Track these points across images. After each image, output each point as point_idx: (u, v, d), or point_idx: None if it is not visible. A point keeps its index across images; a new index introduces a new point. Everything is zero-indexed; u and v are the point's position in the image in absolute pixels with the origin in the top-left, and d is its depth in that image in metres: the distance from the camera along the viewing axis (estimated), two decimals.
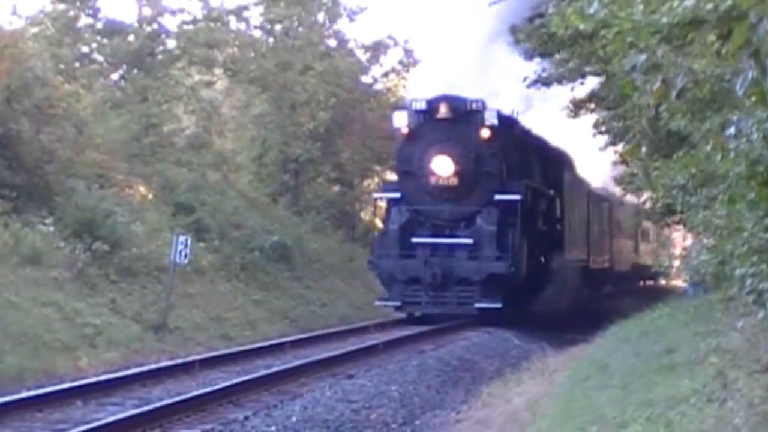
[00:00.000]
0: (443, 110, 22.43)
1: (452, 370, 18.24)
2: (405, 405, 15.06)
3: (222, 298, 25.67)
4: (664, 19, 6.38)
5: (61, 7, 28.47)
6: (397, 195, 23.09)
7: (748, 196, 8.67)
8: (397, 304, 21.98)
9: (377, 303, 23.05)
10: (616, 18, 6.96)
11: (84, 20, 29.48)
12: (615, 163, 30.51)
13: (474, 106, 22.57)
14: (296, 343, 20.58)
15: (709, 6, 5.63)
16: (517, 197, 22.04)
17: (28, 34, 26.69)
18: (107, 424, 11.97)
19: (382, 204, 24.33)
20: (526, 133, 27.18)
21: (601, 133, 24.88)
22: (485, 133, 22.17)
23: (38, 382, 16.00)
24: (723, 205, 10.63)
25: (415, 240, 22.02)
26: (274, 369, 16.81)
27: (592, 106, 24.00)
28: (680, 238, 33.09)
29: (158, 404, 13.70)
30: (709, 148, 9.76)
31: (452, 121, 22.54)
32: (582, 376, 15.29)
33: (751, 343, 10.39)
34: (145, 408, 13.41)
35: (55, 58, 27.00)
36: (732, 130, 7.07)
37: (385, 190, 24.18)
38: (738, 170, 8.36)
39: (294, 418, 13.32)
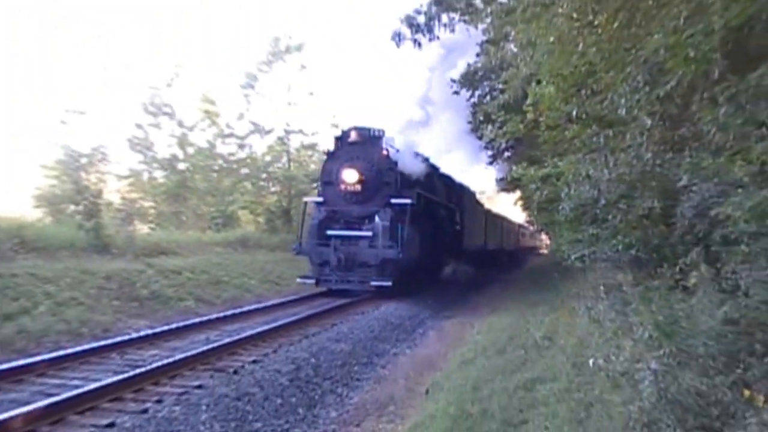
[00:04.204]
0: (353, 136, 20.92)
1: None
2: (414, 316, 18.02)
3: None
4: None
5: None
6: (320, 199, 21.34)
7: (566, 226, 11.47)
8: (313, 281, 20.17)
9: (298, 280, 20.93)
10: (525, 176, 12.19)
11: None
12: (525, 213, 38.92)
13: (377, 133, 21.09)
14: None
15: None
16: (407, 201, 20.15)
17: None
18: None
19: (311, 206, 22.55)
20: (431, 165, 25.37)
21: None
22: (384, 152, 20.66)
23: None
24: (561, 228, 13.33)
25: (329, 232, 20.39)
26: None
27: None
28: (545, 237, 45.32)
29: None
30: (556, 213, 11.89)
31: (360, 143, 20.80)
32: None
33: (570, 272, 13.71)
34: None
35: None
36: (561, 208, 9.93)
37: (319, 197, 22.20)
38: (563, 218, 10.77)
39: (374, 317, 16.37)
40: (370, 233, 20.08)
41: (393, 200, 20.30)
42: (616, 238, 8.13)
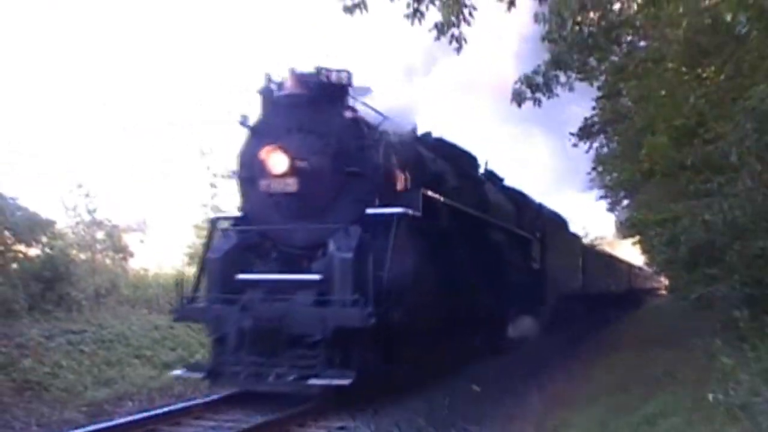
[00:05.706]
0: (289, 86, 10.74)
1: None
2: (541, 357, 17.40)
3: None
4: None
5: None
6: (238, 214, 11.77)
7: (683, 267, 13.19)
8: (201, 374, 10.41)
9: (173, 374, 11.88)
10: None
11: None
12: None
13: (336, 77, 10.80)
14: None
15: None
16: (396, 210, 10.25)
17: None
18: None
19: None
20: (487, 170, 17.74)
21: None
22: (349, 114, 10.78)
23: None
24: (678, 269, 15.19)
25: (241, 276, 10.63)
26: None
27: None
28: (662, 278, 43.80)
29: None
30: (673, 255, 13.11)
31: (302, 100, 10.75)
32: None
33: (688, 311, 15.12)
34: None
35: None
36: (679, 250, 10.62)
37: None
38: (680, 260, 12.14)
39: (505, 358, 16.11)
40: (317, 276, 10.31)
41: (370, 210, 10.64)
42: (732, 278, 8.38)
